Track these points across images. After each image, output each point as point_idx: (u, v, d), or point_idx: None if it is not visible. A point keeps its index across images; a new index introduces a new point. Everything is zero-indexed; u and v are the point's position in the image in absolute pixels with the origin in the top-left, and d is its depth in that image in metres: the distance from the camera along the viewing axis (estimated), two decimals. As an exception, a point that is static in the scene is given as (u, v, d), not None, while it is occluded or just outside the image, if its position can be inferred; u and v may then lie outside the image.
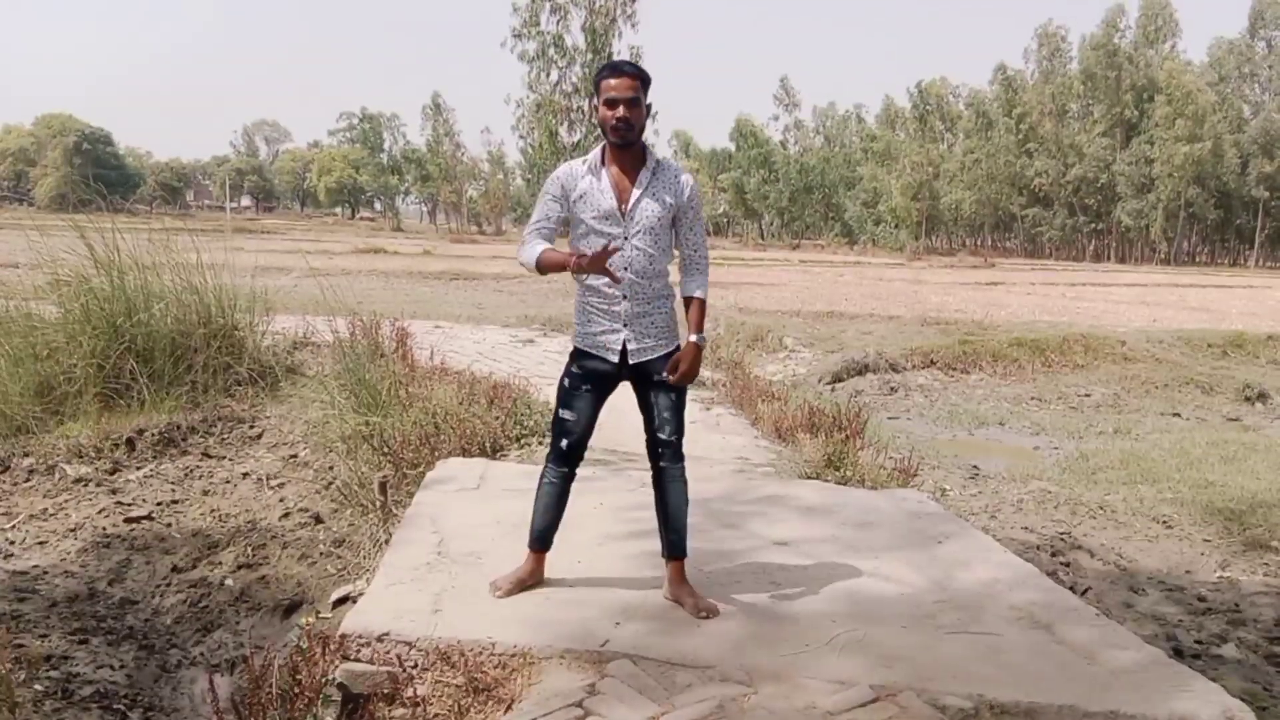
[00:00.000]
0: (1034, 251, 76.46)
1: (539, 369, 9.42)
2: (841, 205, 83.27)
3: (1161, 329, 17.06)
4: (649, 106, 3.54)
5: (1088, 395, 11.82)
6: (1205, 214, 67.74)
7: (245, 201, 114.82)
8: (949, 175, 75.76)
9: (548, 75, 27.39)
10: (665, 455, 3.69)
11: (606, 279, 3.49)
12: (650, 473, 3.80)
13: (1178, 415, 10.87)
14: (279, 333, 8.93)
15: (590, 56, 26.44)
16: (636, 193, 3.53)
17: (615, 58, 26.45)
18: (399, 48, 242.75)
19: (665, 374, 3.58)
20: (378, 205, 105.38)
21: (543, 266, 3.49)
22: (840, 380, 11.93)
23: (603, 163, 3.55)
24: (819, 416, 7.09)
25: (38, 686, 3.59)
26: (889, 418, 9.91)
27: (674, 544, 3.75)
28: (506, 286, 23.21)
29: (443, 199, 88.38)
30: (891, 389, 11.80)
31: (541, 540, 3.79)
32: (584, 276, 3.57)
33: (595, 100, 3.55)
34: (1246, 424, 10.46)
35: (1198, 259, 75.06)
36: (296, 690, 3.06)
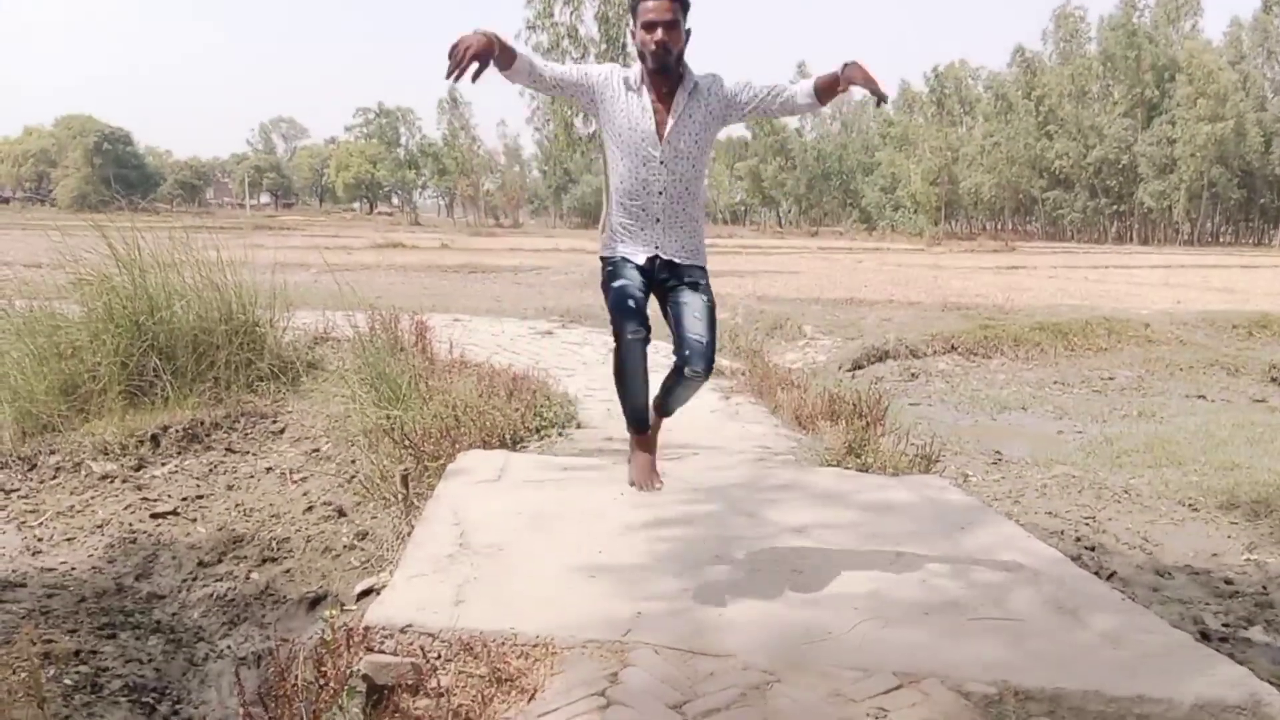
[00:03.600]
0: (1055, 234, 75.82)
1: (558, 361, 9.43)
2: (859, 191, 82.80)
3: (1185, 310, 16.89)
4: (688, 30, 3.44)
5: (1111, 378, 11.73)
6: (1228, 194, 66.96)
7: (264, 198, 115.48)
8: (968, 159, 75.19)
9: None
10: (693, 357, 3.49)
11: (652, 194, 3.45)
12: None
13: (1203, 397, 10.76)
14: (299, 328, 8.98)
15: (604, 47, 26.38)
16: (673, 120, 3.45)
17: (629, 47, 26.36)
18: (414, 42, 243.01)
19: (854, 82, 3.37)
20: (395, 200, 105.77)
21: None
22: (860, 367, 11.88)
23: (641, 82, 3.47)
24: (839, 404, 7.06)
25: (67, 681, 3.63)
26: (910, 404, 9.87)
27: (662, 410, 3.78)
28: (524, 279, 23.24)
29: (460, 192, 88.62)
30: (912, 375, 11.74)
31: (642, 421, 3.69)
32: (616, 195, 3.52)
33: (632, 24, 3.45)
34: (1273, 405, 10.35)
35: (1221, 239, 74.26)
36: (322, 682, 3.08)
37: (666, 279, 3.60)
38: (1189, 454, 7.53)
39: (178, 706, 3.81)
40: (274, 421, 7.10)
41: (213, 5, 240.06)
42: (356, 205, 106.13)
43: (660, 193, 3.47)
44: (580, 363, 9.51)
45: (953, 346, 13.10)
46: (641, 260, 3.56)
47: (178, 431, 6.69)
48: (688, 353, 3.53)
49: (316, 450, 6.56)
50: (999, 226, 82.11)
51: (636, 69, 3.50)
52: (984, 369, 12.33)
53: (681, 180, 3.50)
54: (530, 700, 3.03)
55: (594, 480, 5.15)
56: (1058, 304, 18.41)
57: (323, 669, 3.12)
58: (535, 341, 11.14)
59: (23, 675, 3.30)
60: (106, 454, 6.37)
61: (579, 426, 6.64)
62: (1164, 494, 6.50)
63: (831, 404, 7.09)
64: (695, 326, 3.54)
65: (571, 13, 26.84)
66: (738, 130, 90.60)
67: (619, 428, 5.81)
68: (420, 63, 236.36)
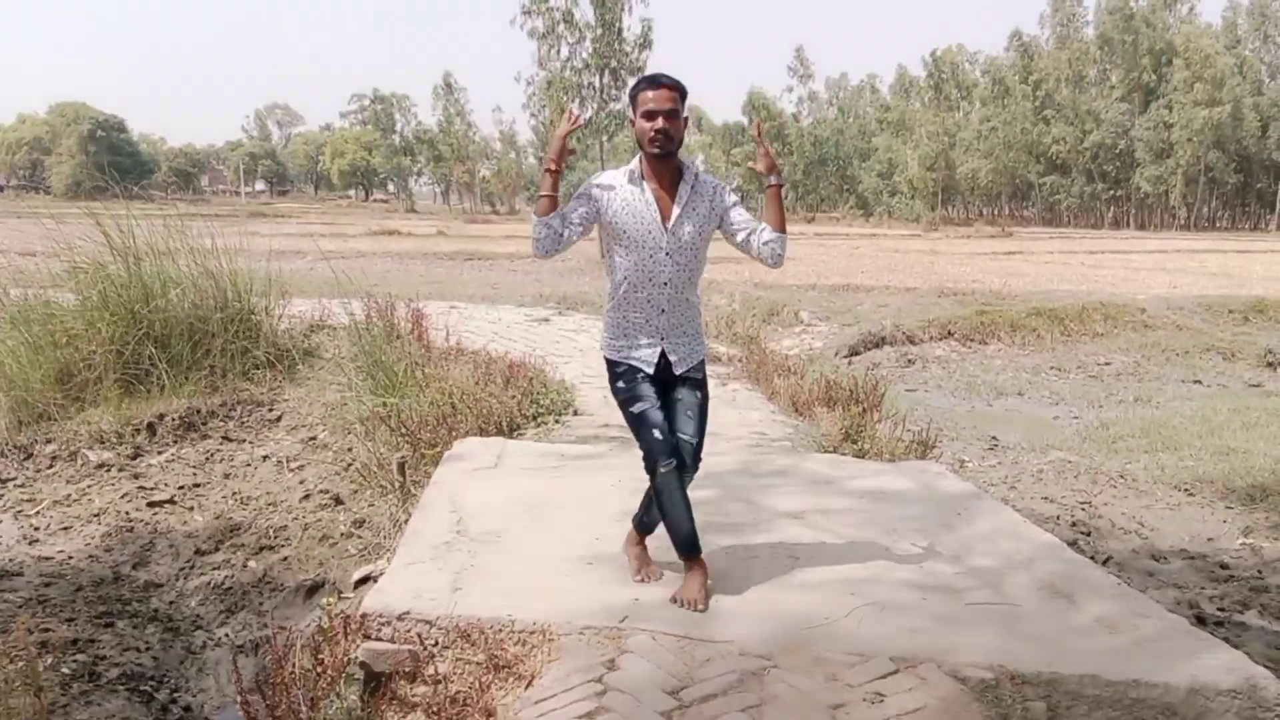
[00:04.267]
0: (1052, 220, 75.76)
1: (555, 348, 9.42)
2: (856, 177, 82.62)
3: (1182, 295, 16.90)
4: (686, 118, 3.50)
5: (1107, 364, 11.74)
6: (1225, 178, 66.89)
7: (259, 186, 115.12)
8: (965, 144, 75.01)
9: (558, 52, 27.16)
10: (685, 458, 3.52)
11: (658, 285, 3.48)
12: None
13: (1199, 382, 10.79)
14: (295, 316, 8.96)
15: (600, 31, 26.20)
16: (678, 209, 3.48)
17: (625, 32, 26.21)
18: (409, 28, 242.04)
19: (754, 163, 3.54)
20: (391, 187, 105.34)
21: (539, 208, 3.41)
22: (857, 353, 11.89)
23: (642, 176, 3.50)
24: (836, 390, 7.06)
25: (65, 670, 3.64)
26: (906, 390, 9.88)
27: (645, 525, 3.75)
28: (521, 266, 23.20)
29: (456, 179, 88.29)
30: (909, 361, 11.75)
31: (693, 544, 3.56)
32: (620, 290, 3.52)
33: (631, 113, 3.48)
34: (1269, 389, 10.37)
35: (1218, 224, 74.25)
36: (319, 670, 3.09)
37: (668, 377, 3.61)
38: (1185, 439, 7.55)
39: (175, 694, 3.82)
40: (270, 410, 7.09)
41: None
42: (352, 192, 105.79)
43: (666, 283, 3.51)
44: (577, 349, 9.50)
45: (949, 332, 13.10)
46: (651, 368, 3.55)
47: (174, 420, 6.68)
48: (680, 452, 3.55)
49: (313, 438, 6.56)
50: (996, 212, 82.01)
51: (636, 162, 3.53)
52: (980, 355, 12.34)
53: (685, 270, 3.53)
54: (528, 687, 3.04)
55: (591, 467, 5.15)
56: (1054, 289, 18.41)
57: (320, 656, 3.12)
58: (532, 328, 11.13)
59: (20, 664, 3.30)
60: (103, 443, 6.36)
61: (576, 413, 6.64)
62: (1160, 479, 6.51)
63: (828, 390, 7.09)
64: (686, 427, 3.56)
65: (566, -2, 26.69)
66: (734, 116, 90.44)
67: (615, 415, 5.80)
68: (415, 49, 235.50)
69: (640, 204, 3.47)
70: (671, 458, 3.47)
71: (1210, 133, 63.27)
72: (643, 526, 3.76)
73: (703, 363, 3.68)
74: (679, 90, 3.43)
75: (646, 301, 3.53)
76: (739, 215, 3.61)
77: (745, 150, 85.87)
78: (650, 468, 3.51)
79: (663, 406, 3.59)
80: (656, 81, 3.44)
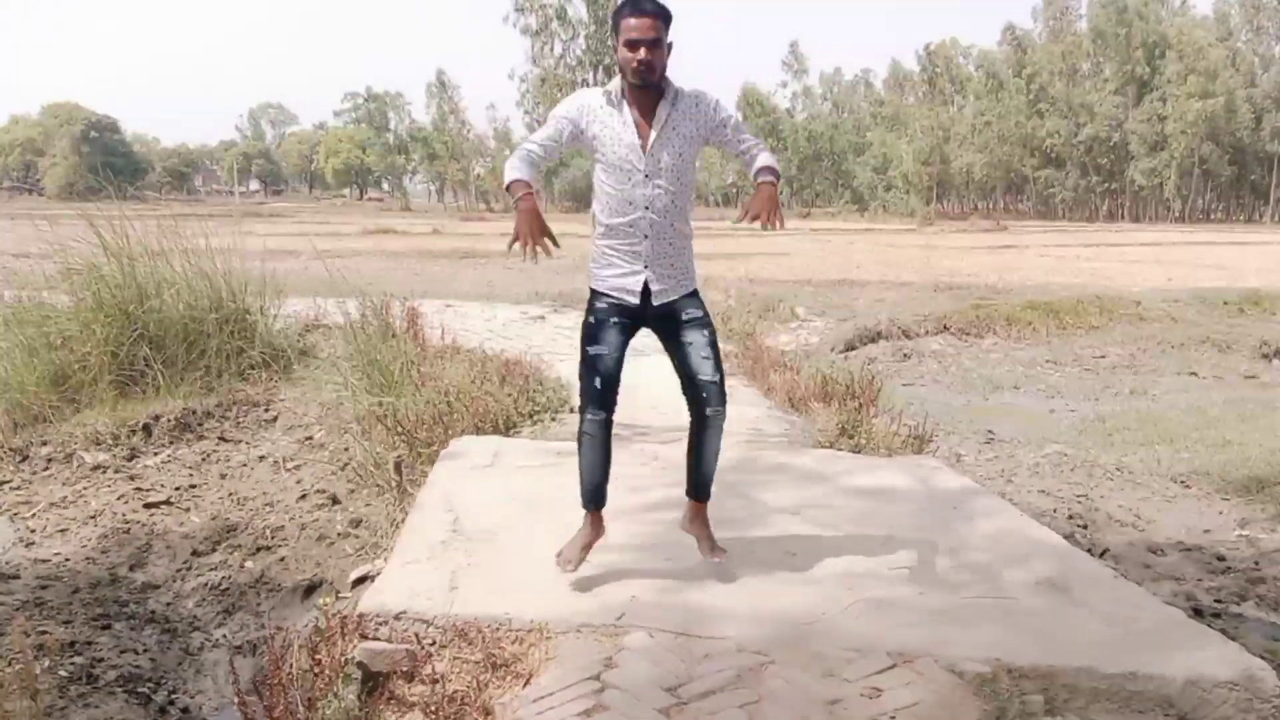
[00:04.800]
0: (1047, 213, 75.77)
1: (551, 345, 9.41)
2: (851, 172, 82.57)
3: (1177, 288, 16.92)
4: (670, 45, 3.42)
5: (1103, 357, 11.76)
6: (1219, 170, 66.97)
7: (253, 185, 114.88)
8: (959, 138, 75.04)
9: (551, 49, 27.25)
10: (711, 399, 3.52)
11: (638, 210, 3.44)
12: (687, 425, 3.68)
13: (1194, 374, 10.81)
14: (290, 316, 8.94)
15: (593, 28, 26.22)
16: (655, 131, 3.42)
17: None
18: (402, 26, 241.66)
19: (747, 213, 3.44)
20: (385, 185, 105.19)
21: (510, 191, 3.34)
22: (853, 348, 11.89)
23: (622, 97, 3.44)
24: (832, 385, 7.06)
25: (62, 672, 3.63)
26: (903, 385, 9.88)
27: (700, 487, 3.72)
28: (516, 264, 23.14)
29: (450, 177, 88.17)
30: (905, 356, 11.76)
31: (596, 497, 3.66)
32: (603, 215, 3.50)
33: (613, 40, 3.42)
34: (1264, 381, 10.39)
35: (1212, 216, 74.29)
36: (317, 670, 3.09)
37: (662, 317, 3.58)
38: (1181, 431, 7.56)
39: (173, 696, 3.82)
40: (266, 410, 7.08)
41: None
42: (346, 191, 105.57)
43: (646, 208, 3.45)
44: (573, 347, 9.43)
45: (945, 327, 13.11)
46: (634, 298, 3.51)
47: (170, 421, 6.67)
48: (704, 395, 3.55)
49: (309, 438, 6.55)
50: (991, 206, 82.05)
51: (616, 83, 3.47)
52: (976, 349, 12.35)
53: (667, 194, 3.46)
54: (525, 685, 3.04)
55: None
56: (1049, 283, 18.42)
57: (318, 657, 3.12)
58: (527, 326, 11.12)
59: (17, 667, 3.29)
60: (98, 444, 6.35)
61: (572, 411, 6.63)
62: (1156, 471, 6.52)
63: (824, 385, 7.10)
64: (704, 367, 3.54)
65: (560, -6, 26.69)
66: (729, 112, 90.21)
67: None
68: (409, 47, 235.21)
69: (618, 125, 3.42)
70: (602, 410, 3.50)
71: (1204, 125, 63.35)
72: (700, 490, 3.72)
73: (696, 294, 3.61)
74: (662, 17, 3.35)
75: (629, 227, 3.48)
76: (735, 136, 3.54)
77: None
78: (581, 409, 3.53)
79: (671, 352, 3.58)
80: (639, 7, 3.34)
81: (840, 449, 5.90)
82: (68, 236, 7.81)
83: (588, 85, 27.56)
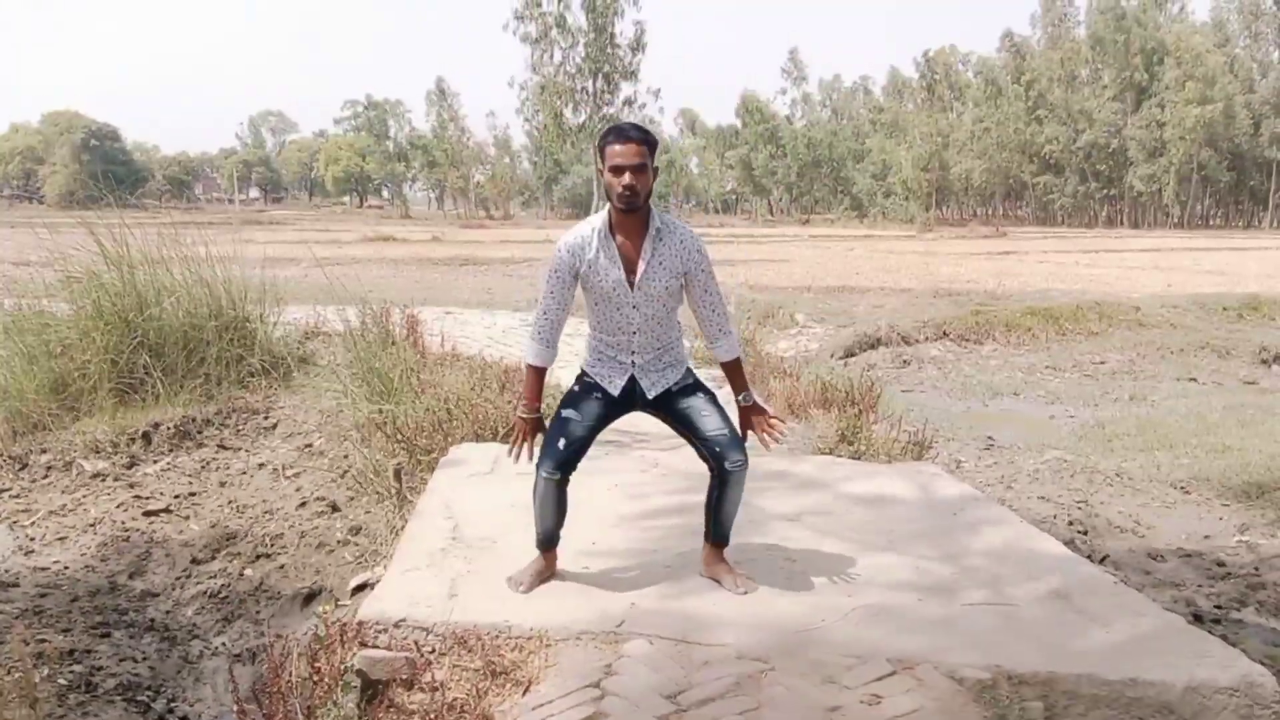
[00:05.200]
0: (1046, 219, 75.90)
1: (550, 352, 9.39)
2: (850, 179, 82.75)
3: (1176, 294, 16.93)
4: (655, 170, 3.47)
5: (1102, 363, 11.76)
6: (1218, 176, 67.10)
7: (253, 193, 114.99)
8: (959, 145, 75.19)
9: (551, 57, 27.29)
10: (726, 450, 3.52)
11: (629, 330, 3.54)
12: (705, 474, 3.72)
13: (1194, 380, 10.80)
14: (290, 323, 8.94)
15: (593, 36, 26.24)
16: (643, 265, 3.46)
17: (618, 36, 26.23)
18: (402, 34, 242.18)
19: (748, 434, 3.63)
20: (385, 193, 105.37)
21: (525, 383, 3.62)
22: (852, 355, 11.90)
23: (610, 229, 3.48)
24: (831, 392, 7.06)
25: (61, 681, 3.63)
26: (902, 391, 9.88)
27: (718, 533, 3.73)
28: (516, 271, 23.19)
29: (450, 185, 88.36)
30: (904, 362, 11.76)
31: (548, 542, 3.69)
32: (593, 328, 3.63)
33: (600, 164, 3.46)
34: (1263, 387, 10.39)
35: (1211, 222, 74.43)
36: (316, 678, 3.08)
37: (657, 400, 3.62)
38: (1180, 437, 7.56)
39: (172, 704, 3.81)
40: (266, 417, 7.08)
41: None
42: (346, 199, 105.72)
43: (635, 331, 3.54)
44: (573, 354, 9.45)
45: (944, 333, 13.12)
46: (616, 391, 3.58)
47: (169, 429, 6.67)
48: (719, 449, 3.55)
49: (309, 445, 6.55)
50: (990, 212, 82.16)
51: (603, 216, 3.51)
52: (976, 355, 12.35)
53: (654, 318, 3.53)
54: (525, 693, 3.03)
55: (586, 472, 5.11)
56: (1049, 289, 18.45)
57: (317, 664, 3.12)
58: (527, 334, 11.10)
59: (17, 675, 3.29)
60: (98, 452, 6.35)
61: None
62: (1156, 477, 6.52)
63: (824, 392, 7.10)
64: (711, 423, 3.56)
65: (559, 2, 26.66)
66: (728, 118, 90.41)
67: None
68: (409, 55, 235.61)
69: (606, 262, 3.47)
70: (558, 471, 3.53)
71: (1202, 131, 63.48)
72: (718, 537, 3.74)
73: (688, 373, 3.66)
74: (647, 143, 3.38)
75: (615, 344, 3.58)
76: (706, 296, 3.59)
77: (739, 154, 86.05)
78: (538, 463, 3.57)
79: (676, 426, 3.65)
80: (624, 135, 3.39)
81: (840, 455, 5.90)
82: (68, 244, 7.82)
83: (586, 92, 27.59)
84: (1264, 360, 11.86)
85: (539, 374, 3.60)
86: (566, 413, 3.59)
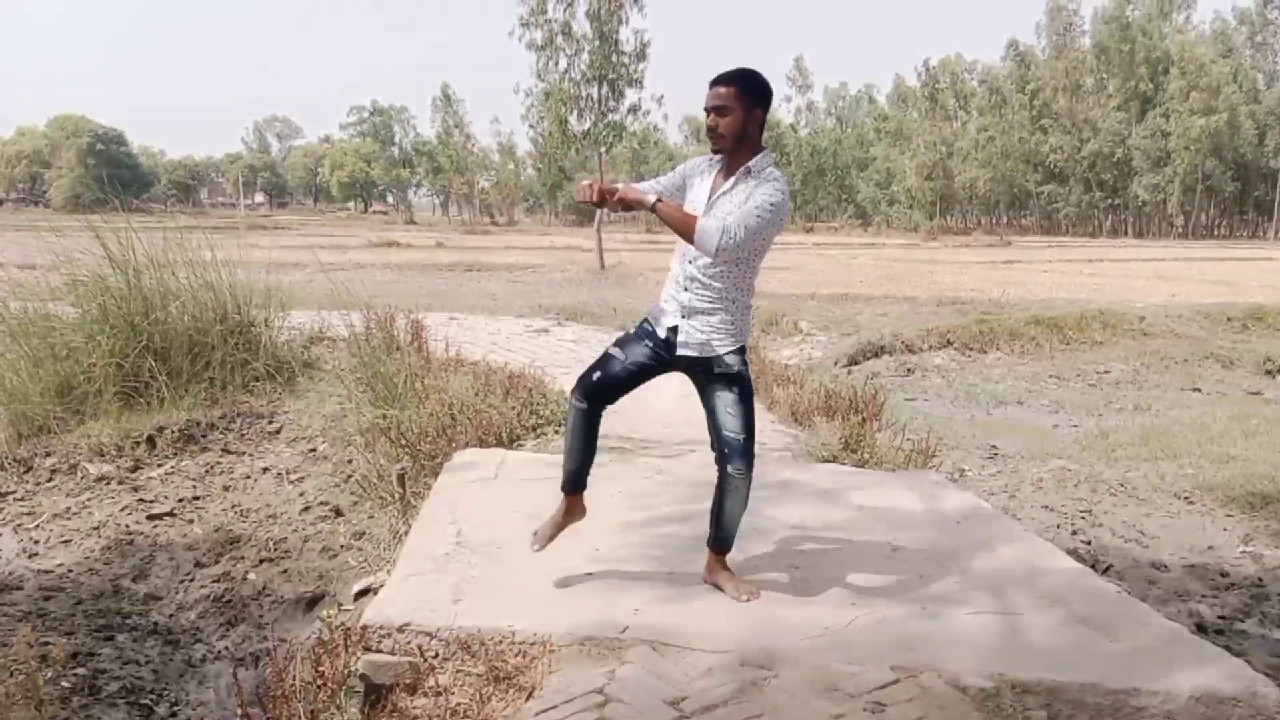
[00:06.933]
0: (1050, 228, 75.81)
1: (554, 358, 9.43)
2: (854, 187, 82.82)
3: (1180, 303, 16.92)
4: (752, 111, 3.44)
5: (1106, 372, 11.75)
6: (1223, 187, 66.99)
7: (259, 198, 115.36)
8: (963, 154, 75.17)
9: (556, 64, 27.17)
10: (732, 455, 3.54)
11: (681, 262, 3.56)
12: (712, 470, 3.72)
13: (1198, 390, 10.79)
14: (295, 328, 8.96)
15: (597, 43, 26.22)
16: (719, 194, 3.51)
17: (622, 44, 26.24)
18: (407, 40, 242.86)
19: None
20: (390, 198, 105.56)
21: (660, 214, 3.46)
22: (856, 363, 11.90)
23: (719, 159, 3.58)
24: (835, 399, 7.07)
25: (65, 684, 3.63)
26: (906, 399, 9.88)
27: (720, 540, 3.73)
28: (520, 277, 23.23)
29: (455, 190, 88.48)
30: (908, 370, 11.75)
31: (574, 481, 3.75)
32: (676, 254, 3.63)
33: None
34: (1268, 397, 10.38)
35: (1216, 232, 74.27)
36: (320, 682, 3.08)
37: (695, 368, 3.61)
38: (1184, 447, 7.55)
39: (175, 708, 3.81)
40: (270, 422, 7.09)
41: (206, 4, 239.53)
42: (351, 204, 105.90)
43: (692, 261, 3.54)
44: (576, 360, 9.50)
45: (948, 341, 13.11)
46: (662, 331, 3.62)
47: (174, 432, 6.68)
48: (727, 452, 3.57)
49: (313, 450, 6.56)
50: (994, 221, 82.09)
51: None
52: (980, 363, 12.35)
53: (713, 260, 3.47)
54: (528, 698, 3.03)
55: (590, 478, 5.14)
56: (1053, 298, 18.44)
57: (320, 669, 3.12)
58: (531, 339, 11.13)
59: (20, 678, 3.29)
60: (102, 456, 6.36)
61: (575, 424, 6.64)
62: (1160, 487, 6.51)
63: (828, 400, 7.10)
64: (729, 423, 3.56)
65: (565, 10, 26.65)
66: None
67: (614, 425, 5.81)
68: (414, 61, 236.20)
69: (700, 183, 3.58)
70: (585, 401, 3.65)
71: (1207, 141, 63.41)
72: (718, 543, 3.74)
73: (728, 357, 3.57)
74: (735, 84, 3.42)
75: (676, 279, 3.61)
76: (729, 205, 3.46)
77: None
78: (572, 390, 3.70)
79: (704, 404, 3.63)
80: (717, 78, 3.48)
81: (844, 463, 5.90)
82: (73, 248, 7.84)
83: (591, 99, 27.62)
84: (1268, 370, 11.85)
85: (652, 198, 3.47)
86: (613, 350, 3.70)
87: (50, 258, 8.00)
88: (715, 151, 3.54)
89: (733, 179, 3.49)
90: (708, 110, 3.46)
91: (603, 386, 3.65)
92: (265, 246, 12.21)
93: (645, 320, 3.73)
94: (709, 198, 3.52)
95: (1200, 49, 65.06)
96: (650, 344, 3.65)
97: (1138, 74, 68.61)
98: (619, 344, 3.72)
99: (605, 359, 3.68)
